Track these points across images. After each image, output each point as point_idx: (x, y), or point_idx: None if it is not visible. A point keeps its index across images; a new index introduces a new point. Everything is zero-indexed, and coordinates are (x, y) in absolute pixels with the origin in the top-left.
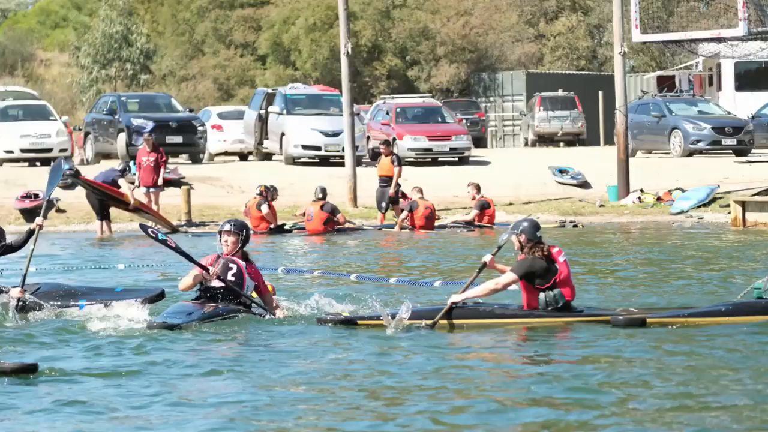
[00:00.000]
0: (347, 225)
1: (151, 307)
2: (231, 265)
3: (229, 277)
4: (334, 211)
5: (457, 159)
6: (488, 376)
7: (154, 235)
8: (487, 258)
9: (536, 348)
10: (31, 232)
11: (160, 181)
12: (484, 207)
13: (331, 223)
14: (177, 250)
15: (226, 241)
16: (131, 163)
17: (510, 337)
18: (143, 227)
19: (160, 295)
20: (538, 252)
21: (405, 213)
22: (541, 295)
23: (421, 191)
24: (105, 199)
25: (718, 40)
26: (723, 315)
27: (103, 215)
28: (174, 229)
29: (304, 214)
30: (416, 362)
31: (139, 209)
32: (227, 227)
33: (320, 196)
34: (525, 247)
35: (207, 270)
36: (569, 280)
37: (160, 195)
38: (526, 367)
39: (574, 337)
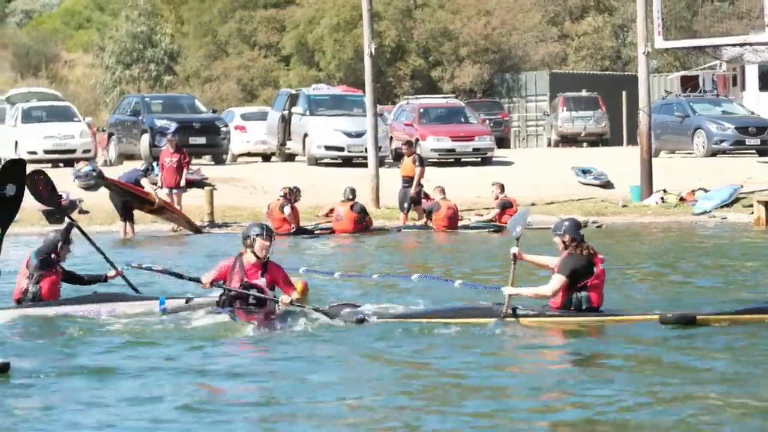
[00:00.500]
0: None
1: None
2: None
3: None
4: (364, 211)
5: (480, 159)
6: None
7: (137, 266)
8: (514, 250)
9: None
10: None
11: (182, 182)
12: (506, 206)
13: (361, 224)
14: (166, 272)
15: (265, 247)
16: (154, 164)
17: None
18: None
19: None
20: (581, 250)
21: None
22: (573, 295)
23: (443, 191)
24: (129, 200)
25: (743, 44)
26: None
27: (127, 216)
28: (197, 230)
29: (327, 215)
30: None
31: (163, 208)
32: (264, 233)
33: (350, 196)
34: (570, 246)
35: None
36: (601, 286)
37: (182, 196)
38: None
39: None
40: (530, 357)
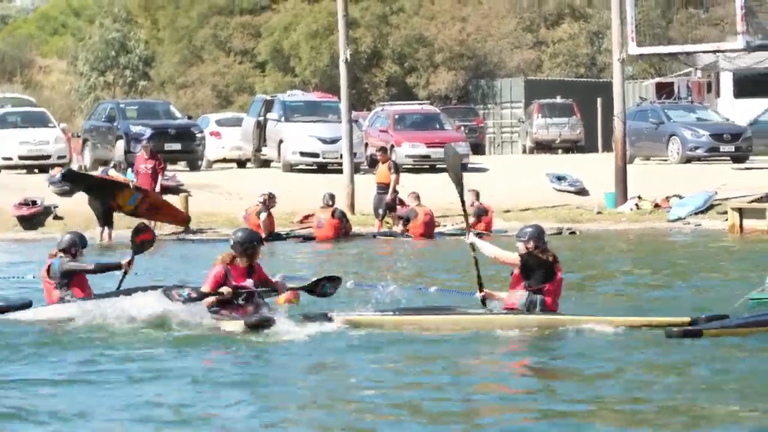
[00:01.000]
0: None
1: None
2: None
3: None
4: (344, 217)
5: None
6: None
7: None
8: (469, 239)
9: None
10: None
11: (158, 188)
12: (481, 214)
13: (342, 230)
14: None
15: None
16: (114, 162)
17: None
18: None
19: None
20: (544, 256)
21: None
22: (527, 295)
23: (418, 197)
24: (108, 198)
25: (716, 51)
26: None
27: (107, 222)
28: (184, 220)
29: (302, 221)
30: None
31: (144, 207)
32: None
33: (330, 202)
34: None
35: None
36: (557, 293)
37: None
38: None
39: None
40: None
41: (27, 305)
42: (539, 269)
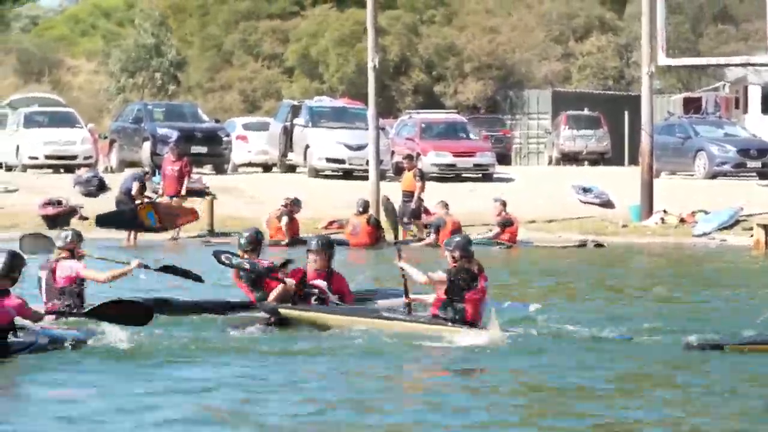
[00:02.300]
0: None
1: None
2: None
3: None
4: (378, 224)
5: (480, 175)
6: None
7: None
8: (400, 264)
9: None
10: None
11: (183, 191)
12: (507, 224)
13: (376, 237)
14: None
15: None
16: (147, 170)
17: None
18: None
19: None
20: (468, 265)
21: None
22: (448, 306)
23: (446, 206)
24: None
25: (745, 64)
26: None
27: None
28: (194, 214)
29: (326, 227)
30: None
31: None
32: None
33: (362, 209)
34: (458, 261)
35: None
36: (479, 302)
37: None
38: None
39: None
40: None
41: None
42: (464, 279)
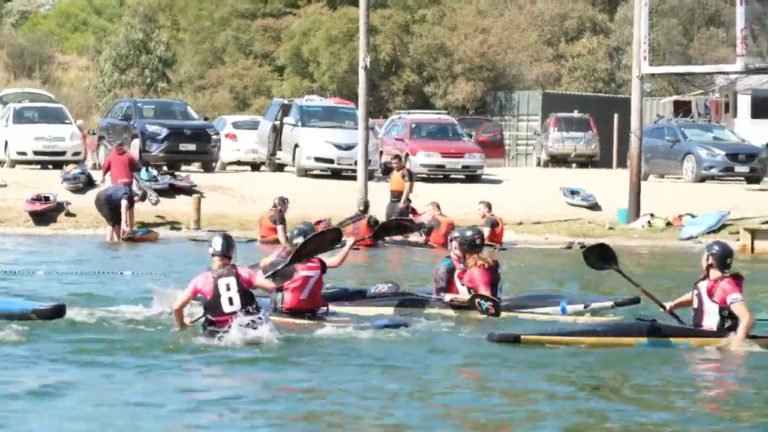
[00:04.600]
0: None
1: None
2: None
3: None
4: (377, 224)
5: (465, 177)
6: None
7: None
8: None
9: None
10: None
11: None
12: (493, 225)
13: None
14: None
15: None
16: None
17: None
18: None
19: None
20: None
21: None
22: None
23: (438, 207)
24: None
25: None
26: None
27: (115, 221)
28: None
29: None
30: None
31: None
32: None
33: (362, 208)
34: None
35: None
36: (299, 290)
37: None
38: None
39: None
40: None
41: None
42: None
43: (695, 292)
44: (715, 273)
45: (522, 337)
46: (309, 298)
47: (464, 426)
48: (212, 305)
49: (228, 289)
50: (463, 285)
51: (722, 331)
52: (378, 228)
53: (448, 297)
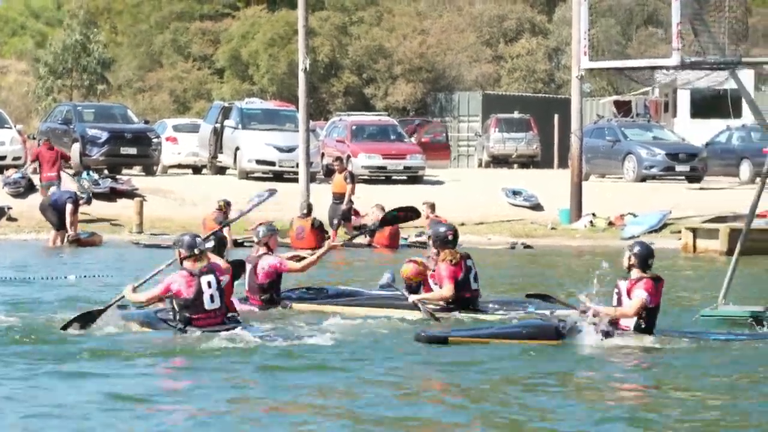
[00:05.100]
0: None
1: None
2: None
3: None
4: (322, 227)
5: (407, 178)
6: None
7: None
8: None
9: None
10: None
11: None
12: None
13: (321, 240)
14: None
15: None
16: (83, 195)
17: None
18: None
19: None
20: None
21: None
22: None
23: (383, 209)
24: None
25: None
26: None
27: (61, 226)
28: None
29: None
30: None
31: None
32: None
33: (306, 211)
34: None
35: None
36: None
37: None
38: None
39: None
40: None
41: None
42: None
43: (615, 290)
44: (635, 273)
45: (449, 338)
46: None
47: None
48: (194, 303)
49: (209, 286)
50: (435, 283)
51: (639, 331)
52: (384, 219)
53: (412, 298)
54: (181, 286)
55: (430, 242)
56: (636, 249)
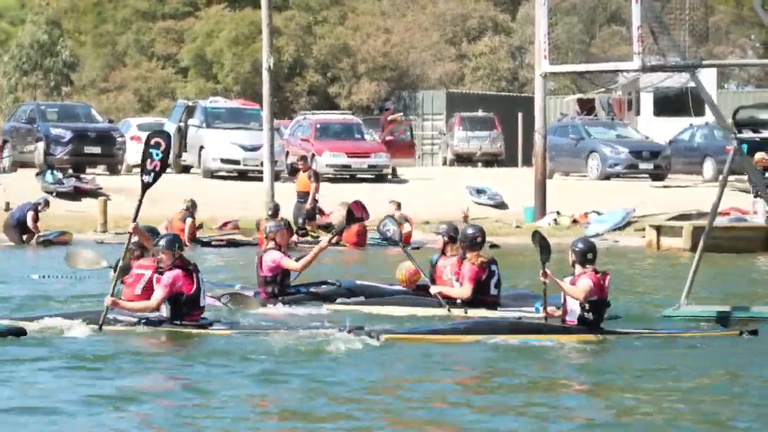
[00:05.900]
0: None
1: None
2: None
3: None
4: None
5: (372, 177)
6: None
7: None
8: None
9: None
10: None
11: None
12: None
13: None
14: None
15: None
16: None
17: None
18: None
19: None
20: None
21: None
22: None
23: (399, 206)
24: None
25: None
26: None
27: (21, 241)
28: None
29: (221, 228)
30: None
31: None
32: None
33: (272, 212)
34: None
35: None
36: (134, 285)
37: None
38: None
39: None
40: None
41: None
42: None
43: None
44: (578, 268)
45: (385, 336)
46: (142, 295)
47: None
48: (192, 300)
49: (202, 282)
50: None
51: (583, 326)
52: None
53: (434, 290)
54: (184, 284)
55: (445, 238)
56: (577, 246)
